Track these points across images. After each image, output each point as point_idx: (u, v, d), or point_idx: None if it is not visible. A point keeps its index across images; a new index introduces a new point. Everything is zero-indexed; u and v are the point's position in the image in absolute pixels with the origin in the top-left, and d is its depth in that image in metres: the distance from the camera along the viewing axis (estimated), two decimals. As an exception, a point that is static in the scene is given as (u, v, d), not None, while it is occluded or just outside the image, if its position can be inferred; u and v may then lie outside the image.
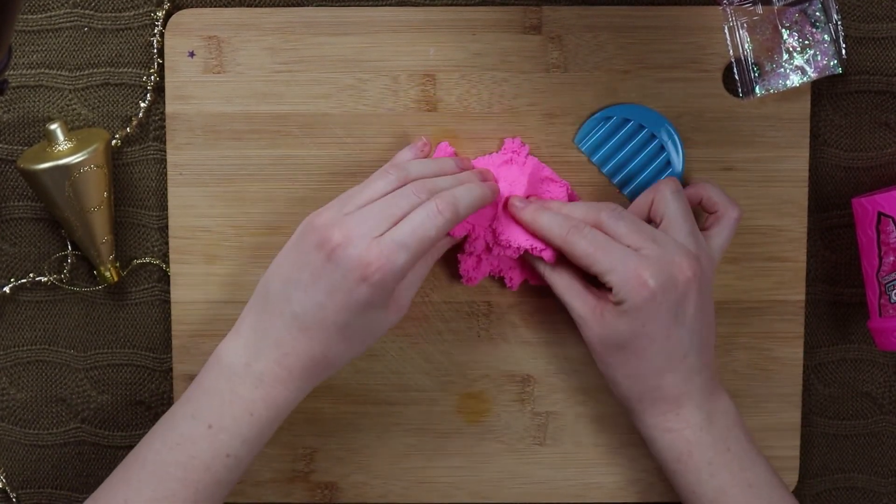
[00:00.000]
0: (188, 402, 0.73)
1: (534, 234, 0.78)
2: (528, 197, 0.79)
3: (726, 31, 0.80)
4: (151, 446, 0.73)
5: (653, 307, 0.73)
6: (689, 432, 0.75)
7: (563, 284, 0.78)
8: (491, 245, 0.80)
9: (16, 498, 0.86)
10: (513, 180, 0.80)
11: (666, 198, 0.77)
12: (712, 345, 0.77)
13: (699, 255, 0.75)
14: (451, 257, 0.82)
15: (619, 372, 0.76)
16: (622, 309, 0.74)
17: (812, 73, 0.81)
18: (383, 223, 0.72)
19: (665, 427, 0.76)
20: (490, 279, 0.83)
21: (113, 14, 0.83)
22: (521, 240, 0.78)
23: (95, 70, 0.83)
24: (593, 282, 0.77)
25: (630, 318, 0.74)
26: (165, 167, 0.84)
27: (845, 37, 0.82)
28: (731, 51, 0.81)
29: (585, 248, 0.74)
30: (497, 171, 0.80)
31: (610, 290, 0.74)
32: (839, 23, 0.80)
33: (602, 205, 0.77)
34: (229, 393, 0.72)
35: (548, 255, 0.78)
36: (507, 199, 0.79)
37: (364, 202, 0.73)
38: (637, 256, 0.74)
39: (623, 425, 0.84)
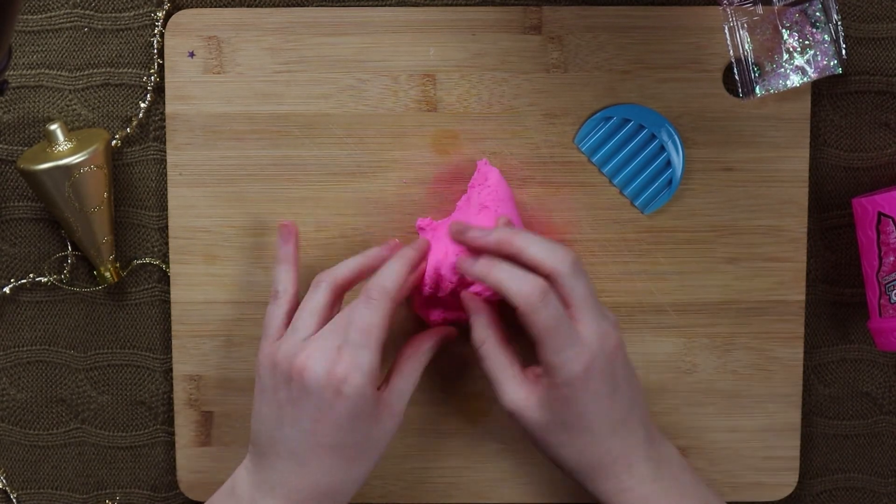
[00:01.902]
0: None
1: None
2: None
3: (726, 31, 0.80)
4: None
5: (591, 386, 0.73)
6: (644, 487, 0.75)
7: (497, 366, 0.76)
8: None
9: (16, 498, 0.86)
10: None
11: (568, 281, 0.73)
12: (642, 394, 0.77)
13: (608, 314, 0.75)
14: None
15: (567, 450, 0.75)
16: (559, 392, 0.73)
17: (812, 74, 0.81)
18: (335, 334, 0.73)
19: (620, 488, 0.75)
20: None
21: (113, 14, 0.83)
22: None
23: (95, 70, 0.83)
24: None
25: (568, 400, 0.73)
26: (165, 167, 0.84)
27: (845, 37, 0.82)
28: (731, 51, 0.81)
29: (546, 320, 0.71)
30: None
31: (541, 365, 0.73)
32: (839, 23, 0.80)
33: (562, 253, 0.73)
34: None
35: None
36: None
37: (308, 321, 0.74)
38: (579, 338, 0.72)
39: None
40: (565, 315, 0.72)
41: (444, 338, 0.80)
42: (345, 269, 0.77)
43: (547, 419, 0.74)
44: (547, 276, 0.73)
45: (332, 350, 0.72)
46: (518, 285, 0.72)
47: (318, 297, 0.75)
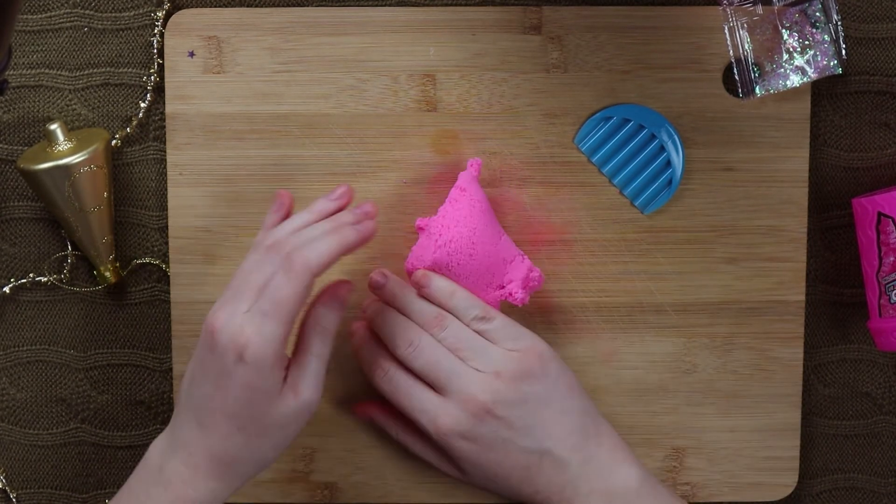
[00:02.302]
0: (119, 498, 0.73)
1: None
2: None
3: (726, 31, 0.80)
4: None
5: (463, 446, 0.76)
6: None
7: (415, 446, 0.80)
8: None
9: (16, 498, 0.86)
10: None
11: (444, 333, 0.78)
12: (576, 417, 0.77)
13: (495, 368, 0.76)
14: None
15: (498, 496, 0.79)
16: (447, 452, 0.77)
17: (812, 74, 0.81)
18: (248, 298, 0.71)
19: None
20: None
21: (113, 14, 0.83)
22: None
23: (95, 70, 0.83)
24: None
25: (457, 457, 0.77)
26: (165, 167, 0.84)
27: (845, 37, 0.82)
28: (731, 51, 0.81)
29: (390, 394, 0.78)
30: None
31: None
32: (839, 23, 0.80)
33: (433, 316, 0.78)
34: (144, 493, 0.72)
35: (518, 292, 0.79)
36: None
37: (238, 283, 0.72)
38: (433, 402, 0.76)
39: (621, 425, 0.84)
40: (412, 386, 0.77)
41: (341, 298, 0.76)
42: (277, 234, 0.73)
43: (463, 477, 0.79)
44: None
45: (241, 314, 0.70)
46: (363, 358, 0.80)
47: (252, 260, 0.73)
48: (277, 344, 0.70)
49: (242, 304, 0.70)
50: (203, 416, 0.71)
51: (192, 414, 0.72)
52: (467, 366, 0.76)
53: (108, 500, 0.86)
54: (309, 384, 0.72)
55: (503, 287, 0.79)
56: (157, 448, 0.73)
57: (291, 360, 0.73)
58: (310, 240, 0.72)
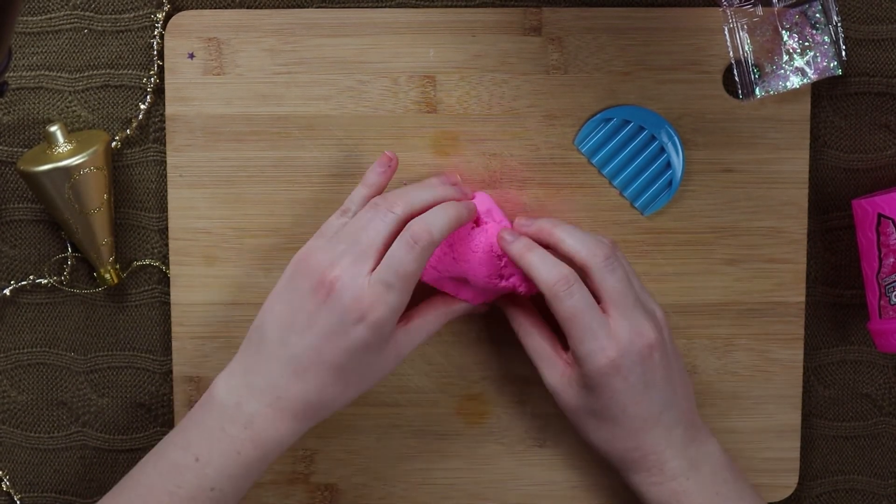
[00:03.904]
0: (182, 432, 0.73)
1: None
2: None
3: (726, 32, 0.80)
4: (144, 469, 0.73)
5: (619, 380, 0.74)
6: (675, 483, 0.75)
7: (534, 348, 0.78)
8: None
9: (20, 501, 0.86)
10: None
11: (599, 275, 0.75)
12: (689, 393, 0.77)
13: (655, 311, 0.76)
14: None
15: (595, 438, 0.77)
16: (587, 382, 0.75)
17: (812, 75, 0.81)
18: (370, 257, 0.72)
19: (651, 481, 0.76)
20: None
21: (113, 16, 0.83)
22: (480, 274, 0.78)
23: (95, 72, 0.83)
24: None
25: (598, 392, 0.74)
26: (165, 169, 0.84)
27: (845, 38, 0.82)
28: (731, 52, 0.81)
29: (569, 309, 0.74)
30: None
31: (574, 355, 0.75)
32: (839, 24, 0.80)
33: (602, 245, 0.75)
34: (219, 430, 0.72)
35: (521, 283, 0.78)
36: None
37: (367, 245, 0.73)
38: (607, 331, 0.74)
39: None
40: (594, 307, 0.74)
41: (475, 309, 0.80)
42: (424, 199, 0.75)
43: (578, 403, 0.76)
44: (581, 269, 0.75)
45: (364, 276, 0.71)
46: (545, 271, 0.74)
47: (383, 226, 0.73)
48: (400, 309, 0.72)
49: (365, 264, 0.72)
50: (305, 364, 0.72)
51: (288, 361, 0.72)
52: (639, 302, 0.75)
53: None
54: (412, 346, 0.76)
55: (506, 279, 0.79)
56: (228, 386, 0.73)
57: (403, 318, 0.75)
58: (428, 207, 0.75)
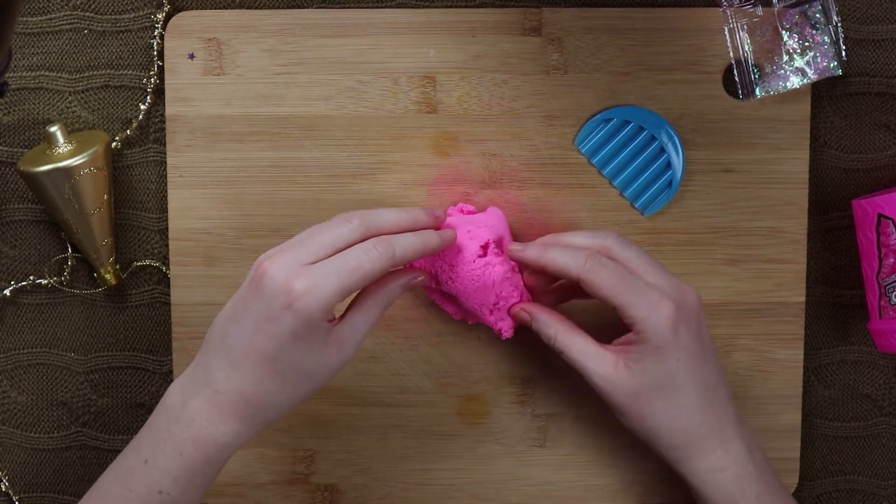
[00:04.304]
0: (138, 436, 0.73)
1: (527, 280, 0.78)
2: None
3: (726, 32, 0.80)
4: (107, 474, 0.73)
5: (679, 338, 0.73)
6: (739, 467, 0.74)
7: (577, 349, 0.75)
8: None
9: (18, 501, 0.86)
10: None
11: (620, 252, 0.75)
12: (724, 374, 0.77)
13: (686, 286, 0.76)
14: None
15: (663, 419, 0.74)
16: (650, 347, 0.73)
17: (812, 75, 0.81)
18: (313, 253, 0.71)
19: (717, 467, 0.74)
20: None
21: (113, 16, 0.83)
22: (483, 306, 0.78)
23: (95, 72, 0.83)
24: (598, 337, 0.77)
25: (660, 355, 0.73)
26: (165, 169, 0.84)
27: (845, 38, 0.82)
28: (731, 52, 0.81)
29: (607, 279, 0.73)
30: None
31: (628, 328, 0.73)
32: (839, 25, 0.80)
33: (608, 233, 0.76)
34: (165, 431, 0.72)
35: (506, 326, 0.78)
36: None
37: (319, 249, 0.71)
38: (653, 287, 0.73)
39: (623, 427, 0.84)
40: (629, 273, 0.73)
41: (411, 281, 0.76)
42: (386, 219, 0.74)
43: (639, 385, 0.74)
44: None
45: (300, 265, 0.70)
46: (569, 258, 0.74)
47: (344, 233, 0.72)
48: (331, 303, 0.69)
49: (305, 256, 0.70)
50: (238, 356, 0.71)
51: (225, 353, 0.71)
52: (667, 270, 0.75)
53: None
54: (355, 340, 0.73)
55: (494, 314, 0.78)
56: (178, 387, 0.73)
57: (342, 316, 0.73)
58: (392, 229, 0.73)
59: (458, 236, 0.77)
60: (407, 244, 0.72)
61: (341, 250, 0.71)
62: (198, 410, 0.71)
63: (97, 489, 0.73)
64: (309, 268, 0.70)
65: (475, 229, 0.78)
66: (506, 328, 0.78)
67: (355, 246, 0.71)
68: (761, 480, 0.75)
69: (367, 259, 0.70)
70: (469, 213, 0.81)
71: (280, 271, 0.70)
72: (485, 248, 0.77)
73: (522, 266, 0.78)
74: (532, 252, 0.76)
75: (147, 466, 0.71)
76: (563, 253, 0.75)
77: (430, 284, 0.78)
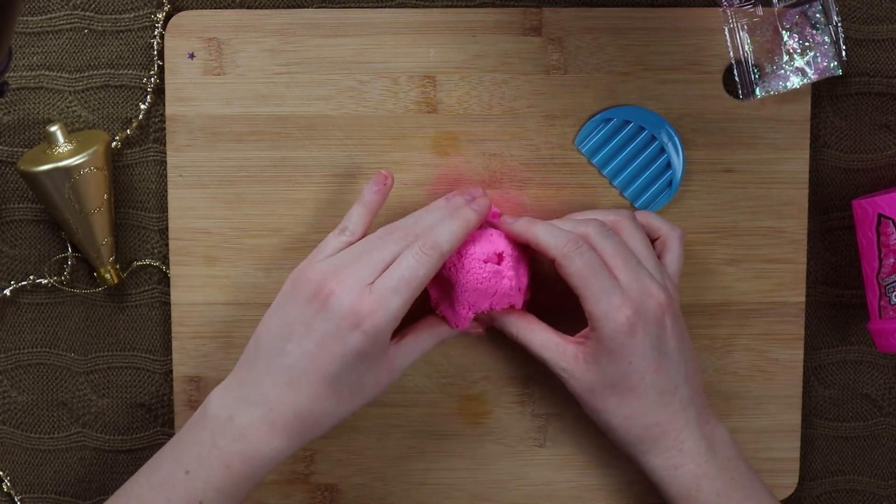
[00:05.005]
0: (175, 445, 0.73)
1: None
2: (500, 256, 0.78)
3: (726, 32, 0.80)
4: (138, 481, 0.74)
5: (635, 341, 0.74)
6: (695, 465, 0.75)
7: (539, 341, 0.78)
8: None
9: (20, 502, 0.86)
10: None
11: (597, 241, 0.76)
12: (698, 372, 0.77)
13: (665, 283, 0.76)
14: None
15: (615, 416, 0.76)
16: (603, 346, 0.74)
17: (812, 75, 0.81)
18: (374, 271, 0.72)
19: (671, 464, 0.75)
20: None
21: (113, 16, 0.83)
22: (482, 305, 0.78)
23: (95, 72, 0.83)
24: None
25: (615, 355, 0.74)
26: (165, 169, 0.84)
27: (845, 38, 0.82)
28: (731, 52, 0.81)
29: (580, 269, 0.74)
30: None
31: (588, 320, 0.75)
32: (839, 25, 0.80)
33: (591, 220, 0.77)
34: (210, 443, 0.72)
35: (468, 321, 0.78)
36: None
37: (368, 267, 0.73)
38: (619, 288, 0.74)
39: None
40: (605, 268, 0.74)
41: (470, 330, 0.80)
42: (439, 229, 0.74)
43: (594, 380, 0.75)
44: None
45: (364, 285, 0.72)
46: (552, 237, 0.75)
47: (395, 247, 0.73)
48: (397, 319, 0.72)
49: (366, 275, 0.72)
50: (297, 375, 0.72)
51: (283, 372, 0.72)
52: (643, 266, 0.75)
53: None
54: (406, 363, 0.76)
55: (476, 317, 0.79)
56: (222, 400, 0.73)
57: (396, 336, 0.75)
58: (435, 224, 0.74)
59: (478, 232, 0.78)
60: (452, 236, 0.74)
61: (387, 259, 0.73)
62: (248, 426, 0.72)
63: (129, 497, 0.73)
64: (373, 288, 0.72)
65: (497, 235, 0.78)
66: (466, 323, 0.78)
67: (403, 255, 0.73)
68: (723, 478, 0.75)
69: (419, 266, 0.72)
70: (494, 215, 0.81)
71: (348, 293, 0.71)
72: (500, 256, 0.77)
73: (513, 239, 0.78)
74: (520, 225, 0.77)
75: (189, 477, 0.72)
76: (548, 231, 0.76)
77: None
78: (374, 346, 0.72)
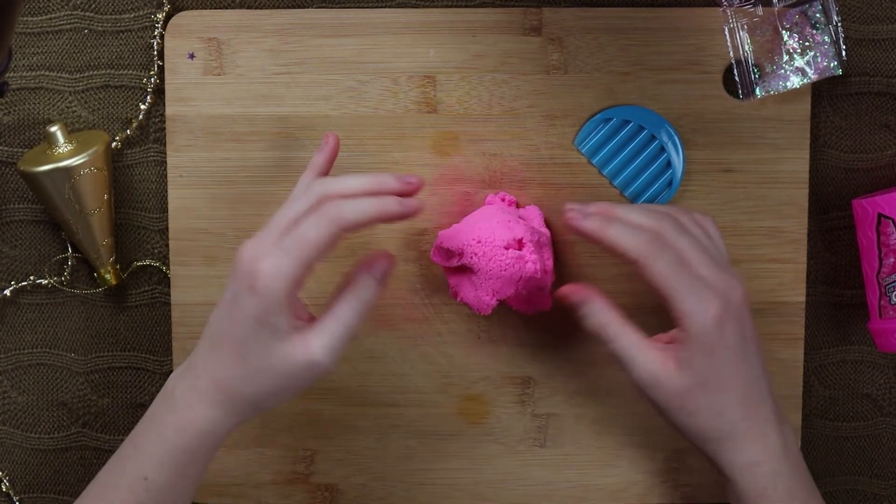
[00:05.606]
0: (141, 423, 0.74)
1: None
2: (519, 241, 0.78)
3: (726, 32, 0.80)
4: (106, 465, 0.74)
5: (726, 334, 0.72)
6: (774, 463, 0.73)
7: (627, 342, 0.74)
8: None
9: (19, 502, 0.86)
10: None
11: (676, 237, 0.74)
12: (767, 368, 0.75)
13: (735, 274, 0.74)
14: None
15: (706, 416, 0.73)
16: (697, 345, 0.72)
17: (812, 75, 0.81)
18: (278, 232, 0.70)
19: (753, 461, 0.73)
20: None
21: (113, 16, 0.83)
22: (468, 297, 0.78)
23: (95, 72, 0.83)
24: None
25: (707, 352, 0.72)
26: (165, 169, 0.84)
27: (845, 38, 0.82)
28: (731, 52, 0.81)
29: (664, 269, 0.72)
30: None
31: (676, 320, 0.72)
32: (839, 24, 0.80)
33: (663, 215, 0.74)
34: (151, 417, 0.73)
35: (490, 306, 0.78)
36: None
37: (275, 217, 0.71)
38: (703, 282, 0.72)
39: (623, 427, 0.84)
40: (686, 265, 0.72)
41: (382, 270, 0.73)
42: (348, 185, 0.71)
43: (686, 382, 0.72)
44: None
45: (269, 245, 0.69)
46: (631, 239, 0.72)
47: (302, 205, 0.71)
48: (288, 281, 0.68)
49: (271, 235, 0.70)
50: (215, 340, 0.71)
51: (207, 339, 0.72)
52: (714, 262, 0.73)
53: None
54: (322, 343, 0.70)
55: (495, 301, 0.79)
56: (174, 374, 0.74)
57: (317, 318, 0.71)
58: (351, 195, 0.71)
59: (496, 221, 0.77)
60: (357, 208, 0.70)
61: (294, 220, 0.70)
62: (181, 396, 0.72)
63: (94, 480, 0.74)
64: (274, 247, 0.69)
65: (515, 222, 0.78)
66: (489, 310, 0.78)
67: (306, 218, 0.70)
68: (794, 477, 0.74)
69: (312, 230, 0.69)
70: (510, 203, 0.81)
71: (247, 252, 0.69)
72: (520, 242, 0.77)
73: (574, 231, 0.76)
74: (593, 224, 0.74)
75: (136, 452, 0.72)
76: (625, 232, 0.73)
77: (445, 263, 0.79)
78: (270, 311, 0.68)
